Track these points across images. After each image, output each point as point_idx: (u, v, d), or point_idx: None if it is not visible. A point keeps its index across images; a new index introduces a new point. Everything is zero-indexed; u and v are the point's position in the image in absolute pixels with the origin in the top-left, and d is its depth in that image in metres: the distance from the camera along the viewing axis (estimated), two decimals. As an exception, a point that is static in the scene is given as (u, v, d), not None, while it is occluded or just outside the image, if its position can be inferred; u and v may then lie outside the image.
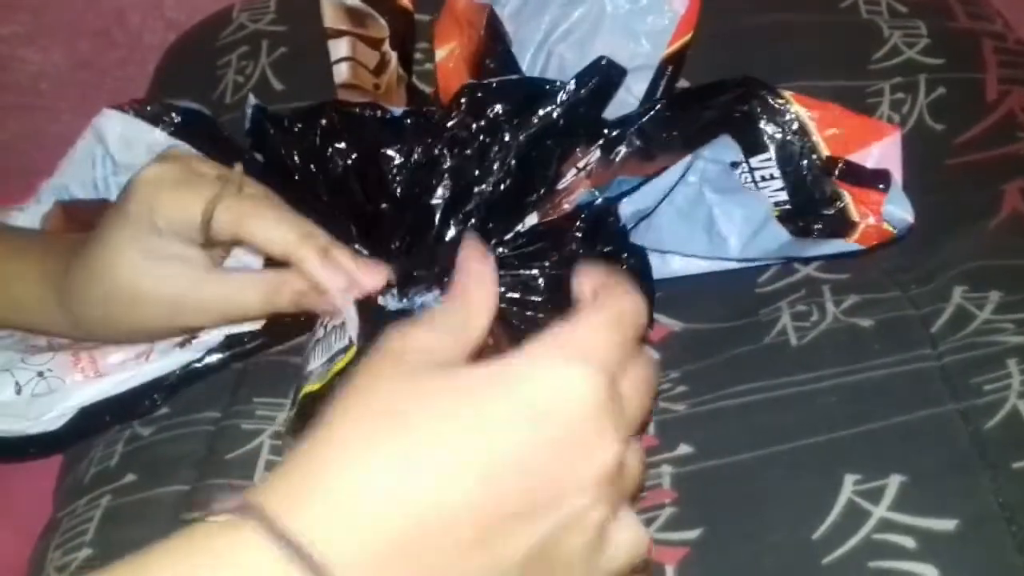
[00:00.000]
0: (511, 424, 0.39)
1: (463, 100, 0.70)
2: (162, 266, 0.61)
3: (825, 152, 0.70)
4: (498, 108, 0.69)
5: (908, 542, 0.54)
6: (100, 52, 1.27)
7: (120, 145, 0.79)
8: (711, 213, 0.70)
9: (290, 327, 0.73)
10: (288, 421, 0.64)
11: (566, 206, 0.70)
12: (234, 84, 0.91)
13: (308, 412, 0.61)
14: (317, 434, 0.40)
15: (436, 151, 0.70)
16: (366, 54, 0.81)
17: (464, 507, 0.38)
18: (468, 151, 0.70)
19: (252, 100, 0.76)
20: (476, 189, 0.69)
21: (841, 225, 0.69)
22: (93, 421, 0.71)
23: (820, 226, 0.70)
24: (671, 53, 0.75)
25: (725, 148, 0.70)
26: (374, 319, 0.61)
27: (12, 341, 0.73)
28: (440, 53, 0.81)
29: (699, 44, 0.81)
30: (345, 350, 0.60)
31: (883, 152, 0.71)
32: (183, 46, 1.00)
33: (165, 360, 0.71)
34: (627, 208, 0.70)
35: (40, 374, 0.70)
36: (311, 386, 0.59)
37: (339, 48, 0.82)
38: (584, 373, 0.40)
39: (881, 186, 0.69)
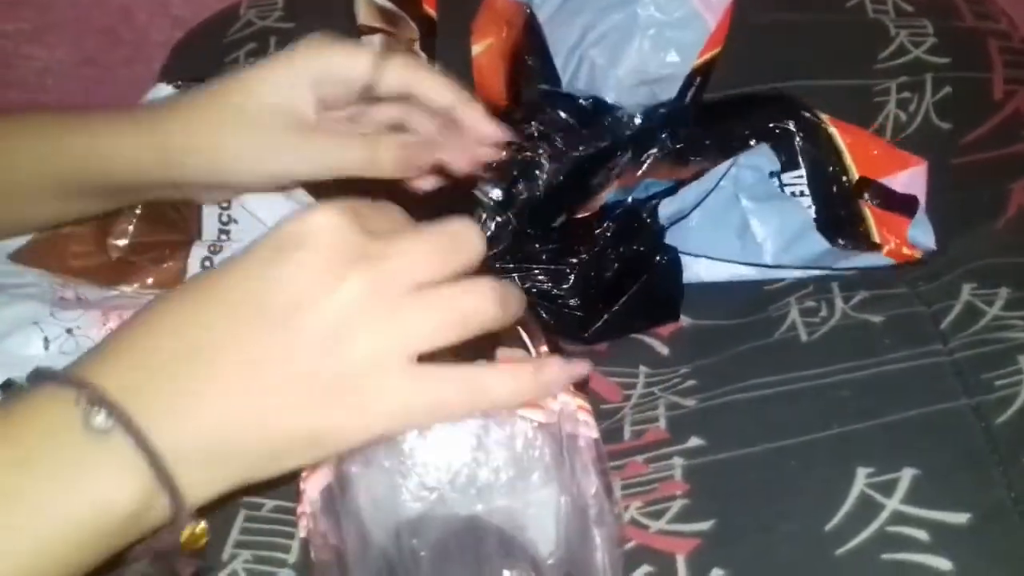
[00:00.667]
0: (250, 266, 0.48)
1: (530, 104, 0.73)
2: (298, 107, 0.64)
3: (856, 174, 0.72)
4: (565, 121, 0.72)
5: (921, 535, 0.54)
6: (106, 49, 1.27)
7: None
8: (745, 219, 0.71)
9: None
10: None
11: (594, 203, 0.72)
12: (242, 81, 0.91)
13: None
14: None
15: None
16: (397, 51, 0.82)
17: (207, 336, 0.47)
18: (527, 153, 0.71)
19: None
20: (525, 192, 0.71)
21: (863, 245, 0.71)
22: None
23: (843, 243, 0.71)
24: (700, 65, 0.78)
25: (763, 157, 0.72)
26: None
27: (38, 290, 0.73)
28: (477, 48, 0.82)
29: None
30: None
31: (910, 180, 0.73)
32: (190, 43, 1.00)
33: None
34: (666, 209, 0.71)
35: (69, 331, 0.69)
36: None
37: (372, 45, 0.83)
38: (316, 211, 0.47)
39: (907, 212, 0.71)
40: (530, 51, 0.77)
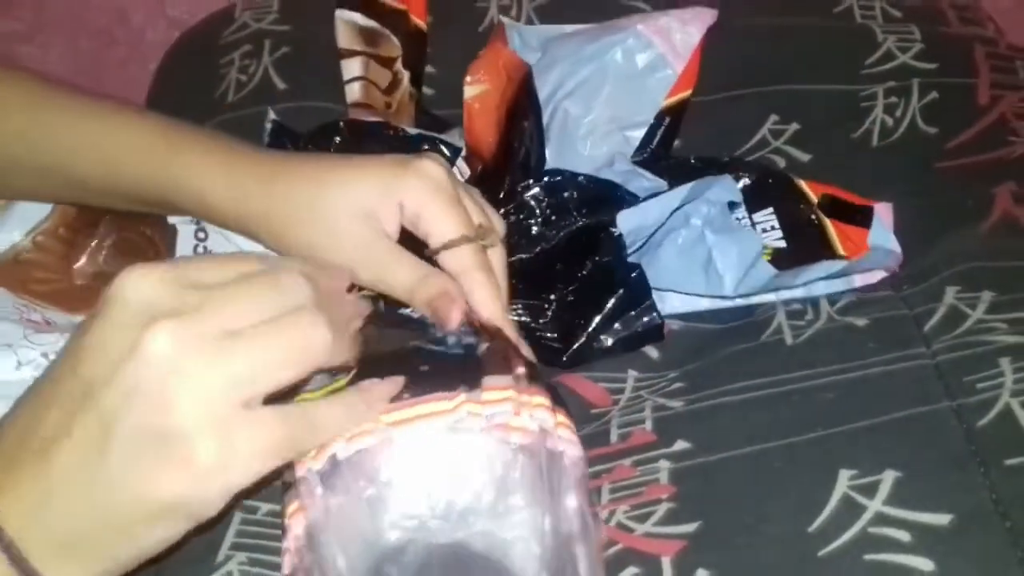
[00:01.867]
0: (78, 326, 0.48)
1: (545, 180, 0.74)
2: (360, 226, 0.62)
3: (815, 199, 0.76)
4: (571, 196, 0.74)
5: (903, 536, 0.55)
6: (101, 50, 1.28)
7: None
8: (710, 253, 0.73)
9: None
10: None
11: None
12: (236, 83, 0.91)
13: None
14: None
15: (502, 210, 0.73)
16: (378, 73, 0.83)
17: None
18: (526, 222, 0.74)
19: (271, 115, 0.77)
20: (517, 252, 0.73)
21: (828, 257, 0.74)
22: None
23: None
24: (669, 106, 0.81)
25: (725, 189, 0.74)
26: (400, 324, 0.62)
27: (5, 311, 0.71)
28: (470, 91, 0.83)
29: None
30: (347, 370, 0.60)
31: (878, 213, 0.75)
32: (185, 44, 1.01)
33: None
34: (626, 222, 0.73)
35: (44, 355, 0.68)
36: (309, 394, 0.60)
37: (352, 68, 0.84)
38: (132, 271, 0.47)
39: (863, 222, 0.73)
40: (527, 112, 0.79)
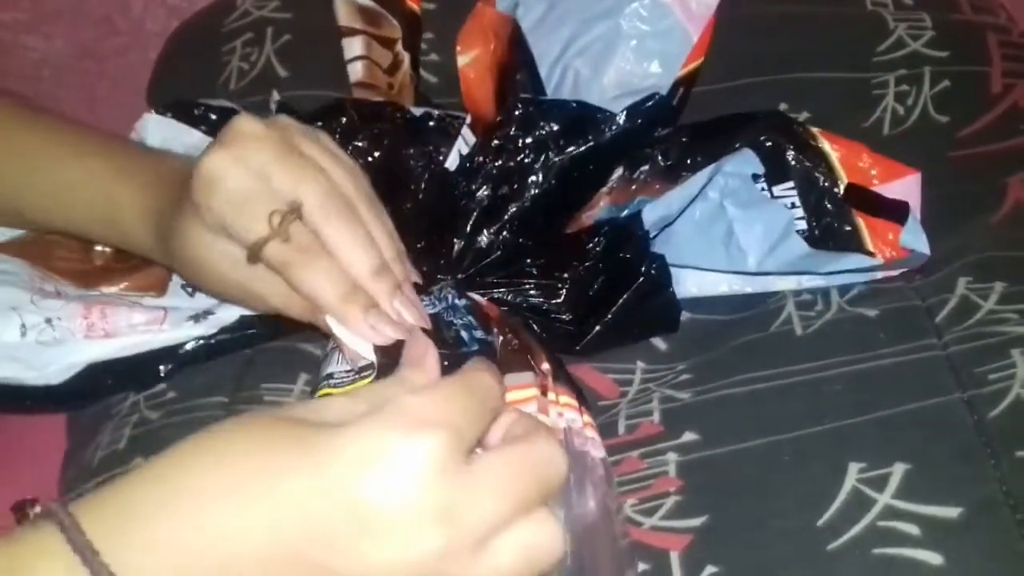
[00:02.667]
0: (326, 490, 0.40)
1: (516, 111, 0.71)
2: (234, 253, 0.59)
3: (845, 181, 0.72)
4: (550, 126, 0.71)
5: (912, 529, 0.54)
6: (102, 39, 1.27)
7: (161, 146, 0.78)
8: (731, 227, 0.71)
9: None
10: None
11: (586, 220, 0.72)
12: (239, 71, 0.91)
13: None
14: (159, 456, 0.42)
15: (479, 157, 0.71)
16: (380, 53, 0.82)
17: (259, 559, 0.40)
18: (512, 163, 0.71)
19: (276, 96, 0.77)
20: (514, 200, 0.71)
21: (857, 252, 0.71)
22: (96, 381, 0.71)
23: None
24: (683, 75, 0.78)
25: (746, 161, 0.72)
26: None
27: (19, 279, 0.72)
28: (463, 59, 0.82)
29: None
30: (371, 368, 0.59)
31: (903, 190, 0.73)
32: (187, 32, 1.00)
33: (177, 331, 0.71)
34: (650, 215, 0.71)
35: (48, 321, 0.68)
36: (332, 390, 0.59)
37: (354, 47, 0.83)
38: (413, 462, 0.41)
39: (897, 218, 0.70)
40: (518, 66, 0.77)
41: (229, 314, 0.72)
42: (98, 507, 0.41)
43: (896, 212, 0.71)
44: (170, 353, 0.72)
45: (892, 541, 0.54)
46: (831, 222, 0.72)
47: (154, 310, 0.72)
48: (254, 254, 0.57)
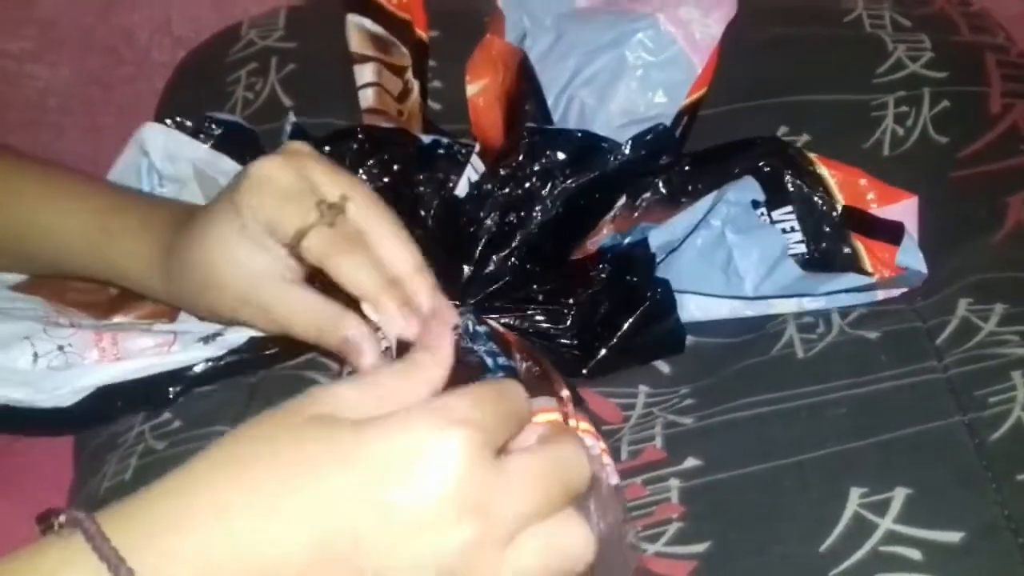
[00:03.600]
0: (355, 488, 0.40)
1: (524, 141, 0.72)
2: (254, 259, 0.61)
3: (842, 203, 0.73)
4: (556, 155, 0.72)
5: (914, 554, 0.54)
6: (108, 69, 1.28)
7: (164, 158, 0.80)
8: (730, 253, 0.72)
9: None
10: None
11: (591, 247, 0.73)
12: (243, 100, 0.91)
13: None
14: (183, 466, 0.42)
15: (487, 185, 0.72)
16: (391, 81, 0.83)
17: (289, 563, 0.40)
18: (519, 191, 0.72)
19: (292, 118, 0.78)
20: (521, 227, 0.72)
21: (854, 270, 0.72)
22: (107, 403, 0.71)
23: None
24: (687, 105, 0.79)
25: (747, 188, 0.73)
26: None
27: (34, 313, 0.73)
28: (472, 88, 0.83)
29: None
30: None
31: (900, 213, 0.74)
32: (193, 63, 1.01)
33: (187, 353, 0.72)
34: (655, 240, 0.72)
35: (60, 348, 0.70)
36: None
37: (365, 73, 0.84)
38: (443, 454, 0.41)
39: (892, 239, 0.71)
40: (526, 95, 0.78)
41: (238, 336, 0.72)
42: (124, 516, 0.41)
43: (892, 233, 0.71)
44: (179, 375, 0.72)
45: (894, 566, 0.54)
46: (830, 245, 0.72)
47: (164, 335, 0.72)
48: (297, 240, 0.58)
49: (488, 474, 0.41)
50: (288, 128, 0.81)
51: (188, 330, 0.73)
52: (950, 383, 0.63)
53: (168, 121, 0.80)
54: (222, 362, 0.72)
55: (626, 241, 0.72)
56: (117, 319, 0.76)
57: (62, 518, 0.41)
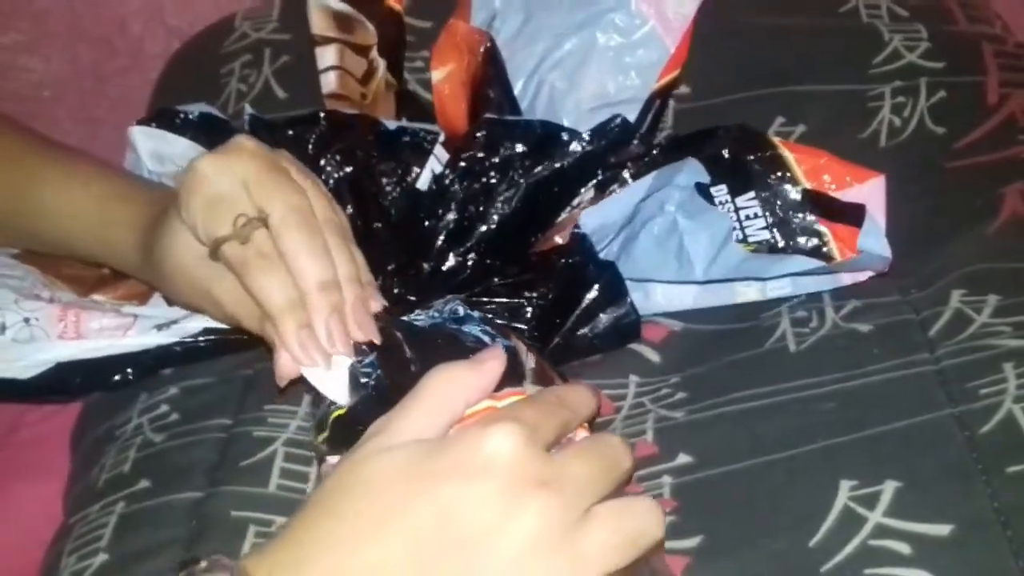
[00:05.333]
0: (438, 489, 0.47)
1: (481, 134, 0.72)
2: (202, 253, 0.62)
3: (804, 186, 0.72)
4: (515, 147, 0.71)
5: (903, 548, 0.54)
6: (102, 60, 1.28)
7: (152, 158, 0.80)
8: (681, 239, 0.71)
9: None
10: (321, 443, 0.64)
11: (557, 240, 0.72)
12: (237, 92, 0.91)
13: (338, 436, 0.60)
14: (299, 513, 0.49)
15: (446, 179, 0.71)
16: (353, 62, 0.82)
17: (400, 564, 0.46)
18: (478, 184, 0.71)
19: (248, 109, 0.77)
20: (481, 222, 0.71)
21: (822, 260, 0.71)
22: (65, 379, 0.74)
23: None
24: (660, 87, 0.78)
25: (693, 172, 0.72)
26: (410, 337, 0.60)
27: (20, 283, 0.75)
28: (436, 75, 0.82)
29: (700, 47, 0.82)
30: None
31: (867, 193, 0.73)
32: (186, 54, 1.01)
33: (140, 338, 0.74)
34: (588, 221, 0.71)
35: (26, 320, 0.72)
36: (339, 411, 0.59)
37: (326, 56, 0.83)
38: (499, 432, 0.47)
39: (854, 221, 0.71)
40: (491, 82, 0.77)
41: (194, 324, 0.74)
42: (252, 560, 0.47)
43: (851, 215, 0.71)
44: (136, 358, 0.75)
45: (883, 560, 0.54)
46: (794, 230, 0.72)
47: (125, 317, 0.75)
48: (213, 252, 0.60)
49: (542, 457, 0.47)
50: (246, 118, 0.81)
51: (151, 315, 0.75)
52: (941, 375, 0.63)
53: (151, 122, 0.81)
54: (175, 349, 0.75)
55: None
56: (95, 296, 0.78)
57: (203, 564, 0.47)
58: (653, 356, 0.72)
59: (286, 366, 0.59)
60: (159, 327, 0.74)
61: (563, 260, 0.70)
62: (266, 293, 0.58)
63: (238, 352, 0.75)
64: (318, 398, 0.60)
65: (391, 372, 0.57)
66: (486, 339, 0.59)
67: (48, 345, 0.72)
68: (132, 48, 1.26)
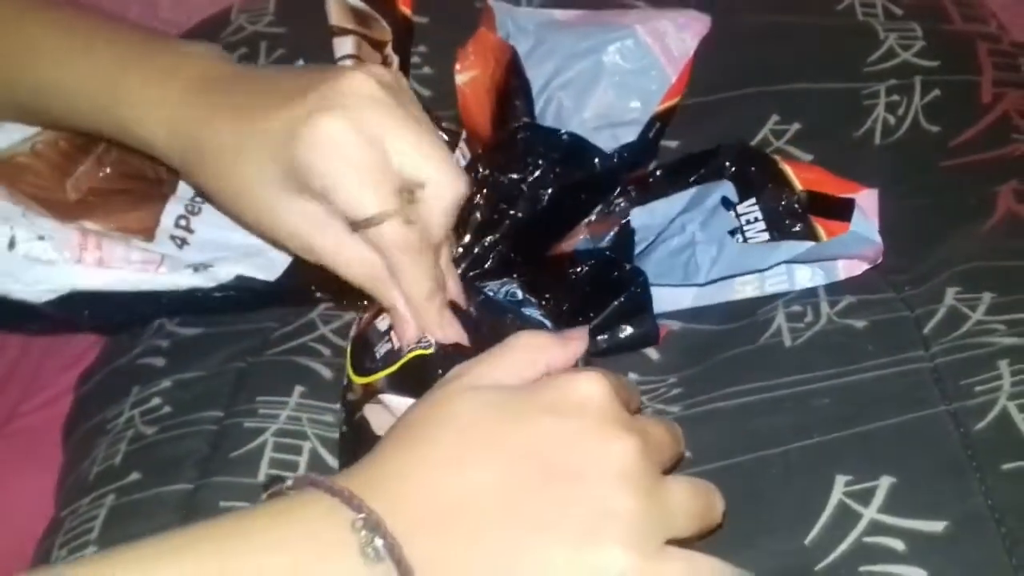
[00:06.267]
0: (532, 422, 0.48)
1: (520, 136, 0.74)
2: (296, 196, 0.58)
3: (801, 189, 0.74)
4: (550, 153, 0.73)
5: (898, 545, 0.55)
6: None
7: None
8: (694, 250, 0.74)
9: (307, 294, 0.75)
10: (376, 380, 0.62)
11: (566, 248, 0.75)
12: (234, 85, 0.91)
13: (408, 377, 0.60)
14: (382, 444, 0.50)
15: (479, 171, 0.73)
16: (370, 54, 0.82)
17: (492, 489, 0.47)
18: (510, 181, 0.73)
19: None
20: (510, 216, 0.73)
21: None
22: (73, 310, 0.69)
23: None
24: (660, 112, 0.81)
25: (722, 190, 0.74)
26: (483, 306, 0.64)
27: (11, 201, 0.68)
28: (460, 78, 0.84)
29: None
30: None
31: (860, 204, 0.73)
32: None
33: (176, 276, 0.69)
34: (636, 219, 0.74)
35: (41, 238, 0.65)
36: (420, 351, 0.60)
37: (344, 46, 0.82)
38: (590, 379, 0.49)
39: (844, 216, 0.72)
40: (516, 92, 0.79)
41: (226, 270, 0.70)
42: (346, 476, 0.48)
43: (841, 211, 0.72)
44: (157, 298, 0.70)
45: (878, 558, 0.55)
46: (791, 228, 0.73)
47: (150, 253, 0.69)
48: (367, 225, 0.56)
49: (626, 410, 0.50)
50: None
51: (169, 254, 0.70)
52: (936, 372, 0.63)
53: None
54: (205, 296, 0.71)
55: (603, 244, 0.74)
56: (88, 225, 0.70)
57: (289, 482, 0.49)
58: (652, 355, 0.72)
59: (412, 334, 0.60)
60: (194, 268, 0.68)
61: (579, 268, 0.72)
62: (419, 283, 0.58)
63: (271, 306, 0.75)
64: (374, 337, 0.62)
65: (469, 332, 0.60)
66: (548, 324, 0.63)
67: (69, 270, 0.66)
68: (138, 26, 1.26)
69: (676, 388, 0.68)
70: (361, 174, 0.55)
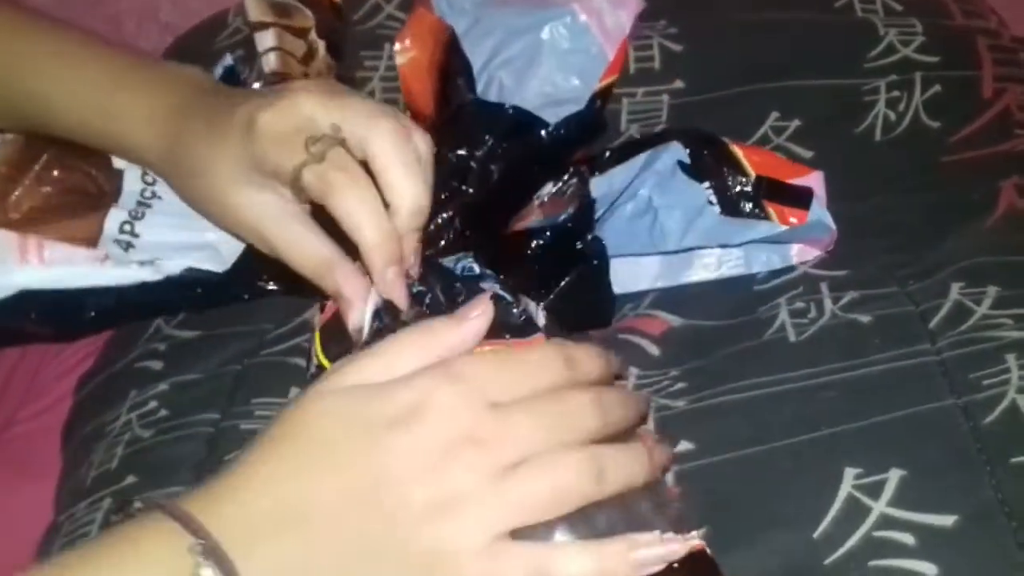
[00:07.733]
0: (372, 436, 0.48)
1: (465, 112, 0.75)
2: (256, 191, 0.62)
3: (754, 175, 0.74)
4: (495, 128, 0.74)
5: (908, 539, 0.54)
6: (95, 57, 1.27)
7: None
8: (656, 215, 0.74)
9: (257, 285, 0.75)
10: None
11: (519, 226, 0.74)
12: (230, 88, 0.91)
13: None
14: (243, 452, 0.50)
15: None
16: (293, 43, 0.83)
17: (328, 501, 0.48)
18: (458, 158, 0.73)
19: (227, 59, 0.81)
20: (462, 193, 0.73)
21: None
22: (22, 314, 0.70)
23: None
24: (600, 89, 0.82)
25: (673, 154, 0.74)
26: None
27: None
28: (400, 59, 0.84)
29: (696, 42, 0.84)
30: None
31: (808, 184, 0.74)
32: (179, 50, 1.00)
33: (123, 270, 0.70)
34: (596, 189, 0.73)
35: None
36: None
37: (265, 39, 0.84)
38: (446, 384, 0.49)
39: (802, 204, 0.72)
40: (457, 70, 0.81)
41: (175, 264, 0.71)
42: (187, 499, 0.48)
43: (802, 198, 0.73)
44: (105, 293, 0.71)
45: (888, 552, 0.54)
46: (746, 212, 0.73)
47: (95, 252, 0.71)
48: (295, 184, 0.60)
49: (479, 413, 0.48)
50: (220, 71, 0.82)
51: (114, 254, 0.72)
52: (943, 366, 0.63)
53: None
54: (156, 287, 0.72)
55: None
56: (31, 238, 0.71)
57: (137, 505, 0.49)
58: (652, 349, 0.72)
59: (357, 318, 0.59)
60: (140, 262, 0.70)
61: (536, 241, 0.71)
62: (358, 217, 0.58)
63: (224, 299, 0.76)
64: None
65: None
66: (507, 296, 0.61)
67: (13, 270, 0.68)
68: (126, 44, 1.26)
69: (679, 382, 0.67)
70: (279, 140, 0.60)
